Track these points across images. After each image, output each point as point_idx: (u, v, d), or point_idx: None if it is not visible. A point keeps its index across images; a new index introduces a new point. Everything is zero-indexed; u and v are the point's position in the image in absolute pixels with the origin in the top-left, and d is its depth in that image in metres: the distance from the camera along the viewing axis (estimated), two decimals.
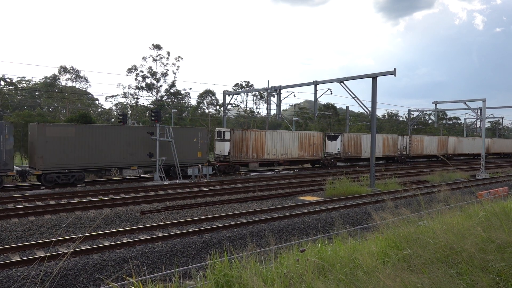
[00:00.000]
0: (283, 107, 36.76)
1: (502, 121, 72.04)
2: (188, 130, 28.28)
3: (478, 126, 43.01)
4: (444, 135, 60.22)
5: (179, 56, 61.67)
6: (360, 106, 25.24)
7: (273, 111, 32.97)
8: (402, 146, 45.17)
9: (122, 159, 23.58)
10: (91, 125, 25.38)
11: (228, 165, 29.64)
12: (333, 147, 39.01)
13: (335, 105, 71.59)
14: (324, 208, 17.15)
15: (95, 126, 25.27)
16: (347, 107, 52.82)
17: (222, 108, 43.32)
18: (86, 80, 60.26)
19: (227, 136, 29.71)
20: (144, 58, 60.01)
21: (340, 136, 38.59)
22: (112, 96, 60.72)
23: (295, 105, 72.21)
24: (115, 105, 63.43)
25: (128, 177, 24.58)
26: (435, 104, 41.04)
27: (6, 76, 53.53)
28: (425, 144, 48.23)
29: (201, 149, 27.52)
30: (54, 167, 21.09)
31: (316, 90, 28.43)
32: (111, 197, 18.68)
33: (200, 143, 27.54)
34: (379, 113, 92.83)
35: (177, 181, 24.65)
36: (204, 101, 66.84)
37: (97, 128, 23.65)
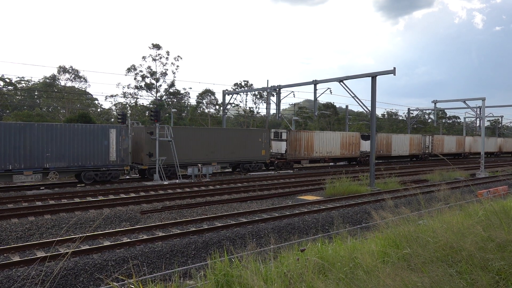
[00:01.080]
0: (282, 106, 36.91)
1: (502, 120, 72.11)
2: (255, 131, 32.74)
3: (477, 125, 43.02)
4: (459, 135, 62.17)
5: (179, 56, 61.75)
6: (360, 105, 25.27)
7: (273, 110, 33.15)
8: (425, 145, 48.59)
9: (205, 156, 27.83)
10: (187, 128, 31.81)
11: (285, 161, 33.54)
12: (368, 146, 41.53)
13: (334, 104, 71.70)
14: (324, 207, 17.16)
15: (190, 128, 31.73)
16: (347, 106, 52.89)
17: (221, 108, 43.32)
18: (86, 80, 60.29)
19: (284, 136, 33.95)
20: (143, 57, 60.08)
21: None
22: (111, 96, 60.76)
23: (294, 104, 72.29)
24: (115, 105, 63.45)
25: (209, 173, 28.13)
26: (435, 103, 41.06)
27: (5, 76, 53.55)
28: (445, 143, 52.24)
29: (264, 147, 31.51)
30: (155, 163, 24.76)
31: (315, 90, 28.43)
32: (111, 197, 18.68)
33: (264, 143, 31.43)
34: (379, 112, 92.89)
35: (177, 180, 24.66)
36: (204, 101, 66.86)
37: (190, 130, 29.10)
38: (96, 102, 66.96)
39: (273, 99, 32.81)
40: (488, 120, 78.89)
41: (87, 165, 22.33)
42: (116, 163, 23.31)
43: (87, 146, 22.26)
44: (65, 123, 25.43)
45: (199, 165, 26.32)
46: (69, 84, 59.46)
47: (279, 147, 34.28)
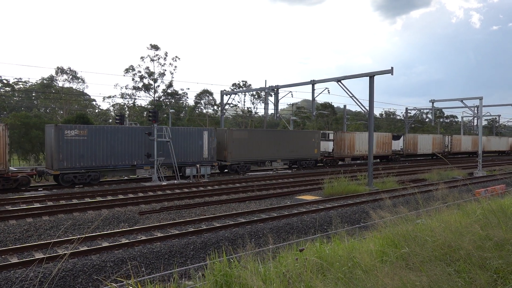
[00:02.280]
0: (280, 106, 37.13)
1: (499, 119, 72.33)
2: (310, 133, 36.49)
3: (475, 124, 43.20)
4: (473, 135, 65.36)
5: (176, 56, 61.64)
6: (358, 105, 25.29)
7: (271, 110, 33.15)
8: (445, 144, 52.99)
9: (272, 154, 31.86)
10: (258, 130, 37.45)
11: (332, 159, 38.42)
12: (397, 145, 46.13)
13: (332, 104, 71.74)
14: (322, 207, 17.17)
15: (260, 130, 36.45)
16: (345, 106, 52.91)
17: (219, 108, 43.31)
18: (83, 81, 60.08)
19: (331, 137, 38.63)
20: (141, 58, 59.95)
21: (402, 136, 46.84)
22: (109, 97, 60.61)
23: (292, 104, 72.25)
24: (113, 105, 63.33)
25: (275, 169, 32.15)
26: (432, 103, 41.16)
27: (2, 77, 53.39)
28: (462, 143, 56.93)
29: (316, 147, 35.49)
30: (236, 160, 29.62)
31: (313, 90, 28.46)
32: (109, 198, 18.65)
33: (316, 143, 35.48)
34: (377, 111, 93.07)
35: (175, 181, 24.63)
36: (202, 101, 66.78)
37: (260, 132, 33.45)
38: (94, 103, 66.85)
39: (271, 99, 32.87)
40: (485, 119, 79.11)
41: (187, 161, 26.58)
42: (207, 160, 27.68)
43: (187, 145, 26.64)
44: (172, 127, 30.07)
45: (197, 165, 26.32)
46: (67, 85, 59.30)
47: (327, 146, 38.75)
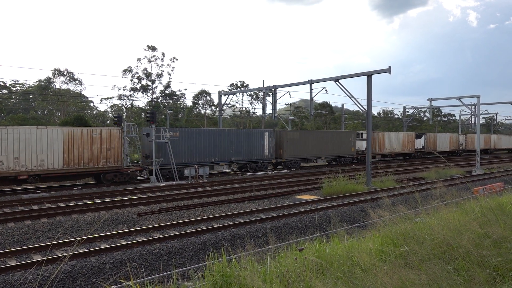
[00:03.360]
0: (278, 106, 37.44)
1: (497, 117, 72.37)
2: (347, 133, 40.23)
3: (472, 122, 43.34)
4: (485, 133, 68.79)
5: (174, 57, 61.60)
6: (356, 104, 25.33)
7: (269, 110, 33.12)
8: (460, 142, 56.69)
9: (317, 152, 35.80)
10: (307, 131, 41.31)
11: (365, 156, 38.73)
12: (419, 143, 50.26)
13: (330, 103, 71.78)
14: (321, 206, 17.18)
15: (309, 131, 40.62)
16: (343, 105, 52.97)
17: (217, 109, 43.28)
18: (81, 83, 59.99)
19: (364, 136, 41.62)
20: (139, 59, 59.86)
21: (424, 135, 51.03)
22: (107, 98, 60.50)
23: (290, 104, 72.26)
24: (110, 107, 63.21)
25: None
26: (430, 101, 41.21)
27: (0, 80, 53.21)
28: (476, 141, 58.17)
29: (353, 145, 39.32)
30: (290, 157, 33.53)
31: (311, 89, 28.47)
32: (108, 199, 18.61)
33: (353, 142, 39.19)
34: (375, 111, 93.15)
35: (174, 182, 24.61)
36: (200, 102, 66.76)
37: (308, 132, 37.21)
38: (92, 104, 66.72)
39: (269, 99, 32.84)
40: (483, 117, 79.24)
41: (252, 158, 31.03)
42: (267, 157, 31.86)
43: (252, 144, 30.74)
44: (240, 129, 35.18)
45: (196, 166, 26.31)
46: (64, 86, 59.19)
47: (360, 145, 42.20)
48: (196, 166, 26.22)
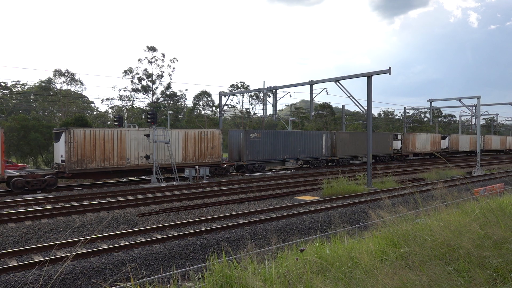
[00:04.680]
0: (279, 107, 37.70)
1: (497, 118, 72.28)
2: (386, 134, 45.79)
3: (473, 123, 43.37)
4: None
5: (174, 58, 61.74)
6: (356, 105, 25.32)
7: (269, 111, 33.17)
8: (479, 143, 57.28)
9: (363, 151, 39.34)
10: (355, 132, 45.59)
11: (400, 155, 47.07)
12: (444, 144, 55.58)
13: (331, 104, 71.81)
14: (321, 207, 17.17)
15: (356, 132, 44.59)
16: (343, 106, 52.97)
17: (218, 109, 43.31)
18: (82, 83, 60.08)
19: (399, 137, 47.57)
20: (139, 60, 59.95)
21: (448, 137, 55.98)
22: (107, 99, 60.55)
23: (291, 105, 72.27)
24: (111, 107, 63.26)
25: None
26: (430, 102, 41.22)
27: (0, 80, 53.27)
28: (493, 142, 66.72)
29: (390, 145, 43.84)
30: (341, 155, 38.66)
31: (312, 90, 28.47)
32: (108, 200, 18.62)
33: (390, 142, 44.08)
34: (375, 111, 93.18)
35: (175, 183, 24.61)
36: (200, 103, 66.79)
37: (356, 134, 42.29)
38: (92, 105, 66.79)
39: (270, 100, 32.87)
40: (483, 118, 79.23)
41: (313, 156, 35.97)
42: (324, 155, 37.09)
43: (313, 144, 35.70)
44: (304, 131, 40.37)
45: (196, 166, 26.32)
46: (65, 87, 59.25)
47: (396, 145, 46.79)
48: (197, 166, 26.24)
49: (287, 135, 34.02)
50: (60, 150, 22.87)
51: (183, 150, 27.06)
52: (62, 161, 22.59)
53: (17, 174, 21.39)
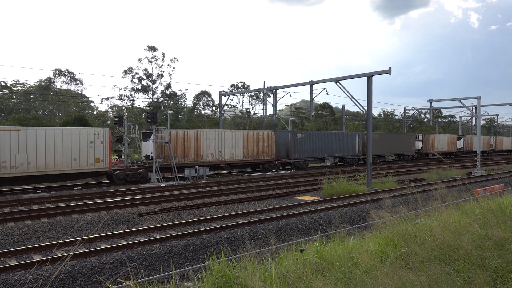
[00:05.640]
0: (279, 107, 37.77)
1: (497, 118, 72.28)
2: (410, 135, 48.73)
3: (473, 124, 43.40)
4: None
5: (175, 58, 61.74)
6: (356, 105, 25.31)
7: (269, 111, 33.20)
8: (490, 143, 65.13)
9: (389, 150, 43.87)
10: (383, 133, 50.01)
11: (421, 154, 50.40)
12: (459, 144, 58.75)
13: (331, 104, 71.83)
14: (321, 207, 17.17)
15: (384, 133, 49.05)
16: (343, 106, 52.98)
17: (218, 109, 43.30)
18: (81, 83, 60.09)
19: (420, 138, 50.77)
20: (139, 60, 59.97)
21: (463, 138, 59.27)
22: (107, 99, 60.55)
23: (291, 105, 72.31)
24: (111, 107, 63.26)
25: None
26: (431, 103, 41.23)
27: (0, 80, 53.26)
28: (504, 142, 69.94)
29: (413, 145, 47.25)
30: (374, 155, 41.33)
31: (312, 90, 28.47)
32: (108, 199, 18.61)
33: (413, 142, 47.44)
34: (375, 112, 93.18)
35: (174, 182, 24.60)
36: (200, 102, 66.78)
37: (384, 134, 46.81)
38: (92, 104, 66.78)
39: (270, 100, 32.89)
40: (483, 119, 79.21)
41: (347, 154, 39.37)
42: (357, 154, 40.28)
43: (348, 144, 39.17)
44: (341, 132, 43.85)
45: (196, 166, 26.32)
46: (65, 87, 59.26)
47: (417, 145, 49.93)
48: (197, 166, 26.23)
49: (327, 135, 37.83)
50: (149, 148, 26.43)
51: (245, 148, 30.76)
52: (151, 157, 25.79)
53: (119, 168, 25.03)
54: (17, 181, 21.01)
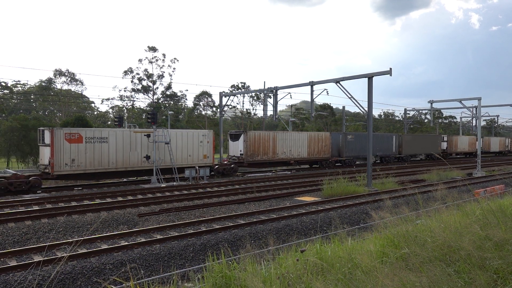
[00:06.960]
0: (279, 107, 37.80)
1: (498, 119, 72.25)
2: (435, 136, 52.84)
3: (474, 124, 43.43)
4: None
5: (175, 58, 61.77)
6: (357, 106, 25.30)
7: (270, 112, 33.16)
8: (506, 144, 70.27)
9: (420, 150, 48.55)
10: (415, 135, 53.10)
11: (446, 154, 54.13)
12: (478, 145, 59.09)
13: (331, 105, 71.81)
14: (321, 208, 17.16)
15: (416, 135, 52.33)
16: (343, 107, 52.92)
17: (218, 110, 43.32)
18: (82, 83, 60.12)
19: (445, 139, 54.84)
20: (140, 60, 60.01)
21: (481, 139, 57.74)
22: (108, 99, 60.60)
23: (291, 105, 72.28)
24: (111, 107, 63.31)
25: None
26: (431, 104, 41.21)
27: (1, 80, 53.31)
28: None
29: (439, 145, 51.15)
30: (406, 154, 46.45)
31: (312, 91, 28.46)
32: (108, 200, 18.61)
33: (439, 143, 51.30)
34: (376, 112, 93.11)
35: (175, 183, 24.60)
36: (201, 103, 66.82)
37: (415, 136, 50.35)
38: (93, 105, 66.83)
39: (270, 100, 32.86)
40: (484, 120, 79.17)
41: (386, 153, 43.67)
42: (394, 153, 44.57)
43: (386, 144, 43.60)
44: (380, 133, 49.45)
45: (197, 167, 26.32)
46: (65, 87, 59.30)
47: (443, 145, 53.92)
48: (197, 167, 26.23)
49: (362, 137, 40.50)
50: (239, 146, 31.50)
51: (308, 147, 35.48)
52: (241, 154, 31.28)
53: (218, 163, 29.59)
54: (162, 171, 25.17)
